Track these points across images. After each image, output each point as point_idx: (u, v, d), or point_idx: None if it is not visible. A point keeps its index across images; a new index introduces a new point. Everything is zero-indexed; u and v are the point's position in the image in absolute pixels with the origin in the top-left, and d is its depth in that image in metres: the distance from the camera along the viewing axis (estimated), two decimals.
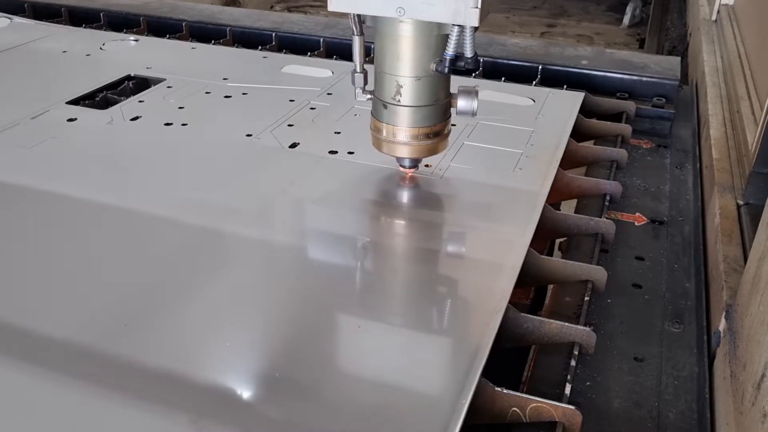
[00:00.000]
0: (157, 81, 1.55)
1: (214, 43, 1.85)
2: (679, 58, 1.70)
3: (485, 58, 1.69)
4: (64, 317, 0.85)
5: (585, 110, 1.48)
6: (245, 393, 0.75)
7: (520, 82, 1.61)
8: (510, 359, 0.97)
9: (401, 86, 1.03)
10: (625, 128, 1.43)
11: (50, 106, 1.40)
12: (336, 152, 1.24)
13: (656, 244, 1.12)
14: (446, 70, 1.00)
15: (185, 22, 1.95)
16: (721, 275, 0.95)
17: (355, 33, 1.04)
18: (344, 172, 1.19)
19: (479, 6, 0.91)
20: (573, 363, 0.84)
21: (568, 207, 1.25)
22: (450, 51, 0.98)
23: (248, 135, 1.30)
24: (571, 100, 1.48)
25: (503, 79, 1.62)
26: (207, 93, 1.48)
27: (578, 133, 1.39)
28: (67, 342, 0.81)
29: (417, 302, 0.90)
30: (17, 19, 1.98)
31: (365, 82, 1.09)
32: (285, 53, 1.80)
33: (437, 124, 1.07)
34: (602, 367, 0.88)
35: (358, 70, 1.08)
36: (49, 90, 1.48)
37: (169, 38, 1.88)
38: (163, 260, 0.96)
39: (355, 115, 1.39)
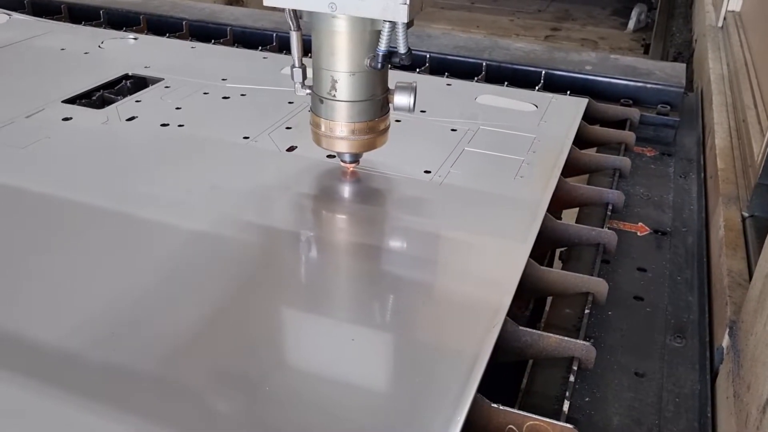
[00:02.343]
0: (155, 80, 1.53)
1: (214, 43, 1.84)
2: (684, 65, 1.68)
3: (488, 62, 1.68)
4: (49, 322, 0.83)
5: (588, 116, 1.46)
6: (234, 405, 0.73)
7: (523, 87, 1.59)
8: (508, 372, 0.95)
9: (336, 81, 1.03)
10: (628, 135, 1.41)
11: (46, 104, 1.38)
12: (334, 156, 1.21)
13: (659, 255, 1.10)
14: (379, 65, 1.01)
15: (185, 20, 1.93)
16: (725, 289, 0.93)
17: (292, 28, 1.05)
18: (341, 177, 1.17)
19: (408, 2, 0.92)
20: (572, 379, 0.81)
21: (569, 216, 1.23)
22: (382, 47, 0.99)
23: (245, 137, 1.28)
24: (575, 106, 1.46)
25: (506, 83, 1.60)
26: (205, 93, 1.46)
27: (581, 140, 1.37)
28: (50, 349, 0.79)
29: (412, 313, 0.88)
30: (16, 16, 1.96)
31: (304, 77, 1.10)
32: (285, 54, 1.78)
33: (374, 119, 1.07)
34: (602, 382, 0.85)
35: (296, 65, 1.09)
36: (45, 88, 1.46)
37: (168, 37, 1.87)
38: (155, 264, 0.94)
39: None
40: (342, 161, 1.15)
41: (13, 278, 0.91)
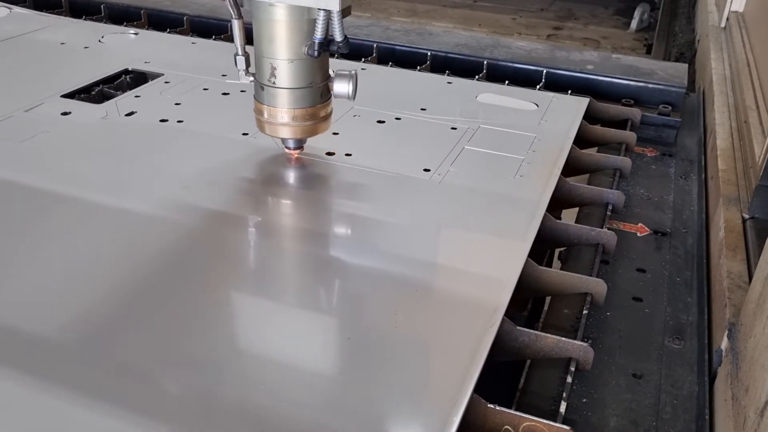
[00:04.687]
0: (155, 76, 1.52)
1: (215, 39, 1.83)
2: (686, 65, 1.67)
3: (489, 60, 1.67)
4: (42, 318, 0.83)
5: (589, 116, 1.45)
6: (227, 401, 0.73)
7: (524, 85, 1.58)
8: (505, 372, 0.94)
9: (275, 68, 1.06)
10: (629, 136, 1.40)
11: (45, 99, 1.38)
12: (333, 153, 1.21)
13: (658, 256, 1.09)
14: (316, 53, 1.02)
15: (186, 16, 1.93)
16: (724, 291, 0.92)
17: (234, 16, 1.07)
18: (340, 174, 1.16)
19: None
20: (569, 380, 0.81)
21: (569, 215, 1.23)
22: (318, 35, 1.01)
23: (244, 134, 1.27)
24: (576, 106, 1.45)
25: (506, 82, 1.59)
26: (205, 89, 1.46)
27: (582, 140, 1.36)
28: (43, 344, 0.79)
29: (409, 312, 0.87)
30: (17, 9, 1.95)
31: (247, 65, 1.12)
32: None
33: (315, 105, 1.10)
34: (599, 383, 0.85)
35: (239, 53, 1.11)
36: (45, 82, 1.45)
37: (169, 32, 1.86)
38: (150, 260, 0.94)
39: (355, 116, 1.36)
40: (286, 148, 1.17)
41: (8, 271, 0.91)
